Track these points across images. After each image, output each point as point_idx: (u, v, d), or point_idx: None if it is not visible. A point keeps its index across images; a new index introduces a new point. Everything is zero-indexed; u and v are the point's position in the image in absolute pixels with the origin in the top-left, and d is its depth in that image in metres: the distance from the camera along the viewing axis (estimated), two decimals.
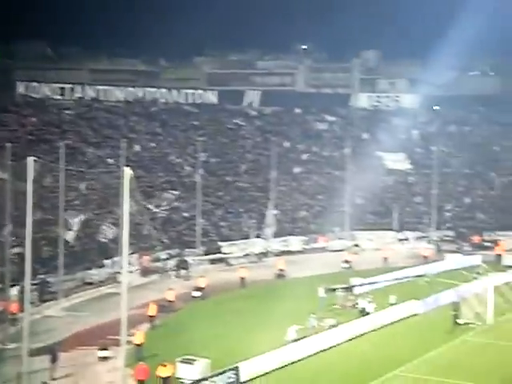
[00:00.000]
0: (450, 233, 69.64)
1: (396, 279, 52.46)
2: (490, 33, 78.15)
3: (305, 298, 45.44)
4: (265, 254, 62.08)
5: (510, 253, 62.43)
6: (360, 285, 48.86)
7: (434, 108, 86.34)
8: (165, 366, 30.83)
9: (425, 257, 60.72)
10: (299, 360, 34.67)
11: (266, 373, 32.81)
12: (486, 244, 66.83)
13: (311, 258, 62.76)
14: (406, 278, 53.62)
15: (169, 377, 30.84)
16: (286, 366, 33.87)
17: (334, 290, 46.36)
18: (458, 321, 41.08)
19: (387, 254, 60.68)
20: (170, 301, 44.22)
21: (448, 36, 79.89)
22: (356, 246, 66.16)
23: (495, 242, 65.45)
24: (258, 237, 63.73)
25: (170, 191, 66.19)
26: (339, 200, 69.10)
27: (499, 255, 61.69)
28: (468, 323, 41.07)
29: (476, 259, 59.44)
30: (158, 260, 55.63)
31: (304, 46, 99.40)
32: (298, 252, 64.79)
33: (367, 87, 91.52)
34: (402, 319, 42.39)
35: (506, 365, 34.53)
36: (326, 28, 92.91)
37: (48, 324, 40.92)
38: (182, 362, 31.99)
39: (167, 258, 56.44)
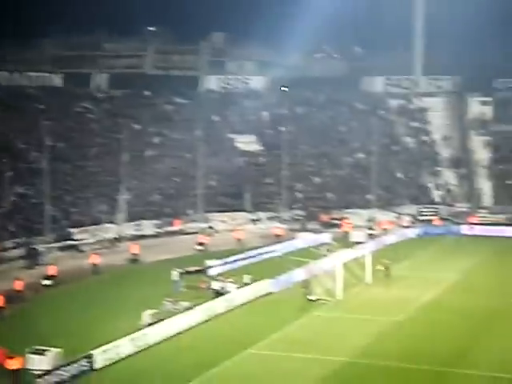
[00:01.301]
0: (301, 212, 71.29)
1: (250, 259, 53.28)
2: (335, 16, 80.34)
3: (159, 282, 45.26)
4: (118, 239, 61.11)
5: (357, 230, 64.87)
6: (214, 266, 49.16)
7: (283, 89, 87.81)
8: (12, 358, 29.61)
9: (277, 236, 61.88)
10: (155, 344, 34.38)
11: (122, 358, 32.33)
12: (335, 222, 69.00)
13: (165, 242, 62.48)
14: (260, 257, 54.60)
15: (18, 369, 29.68)
16: (142, 350, 33.49)
17: (189, 272, 46.45)
18: (309, 297, 42.15)
19: (240, 235, 61.35)
20: (19, 291, 42.60)
21: (295, 18, 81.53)
22: (210, 227, 66.43)
23: (343, 220, 67.72)
24: (110, 222, 62.59)
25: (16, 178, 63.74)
26: (192, 182, 69.07)
27: (347, 232, 63.92)
28: (319, 299, 42.20)
29: (325, 237, 61.38)
30: (4, 249, 53.45)
31: (151, 28, 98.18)
32: (152, 236, 64.25)
33: (216, 69, 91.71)
34: (256, 298, 42.96)
35: (356, 337, 35.77)
36: (174, 9, 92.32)
37: None
38: (32, 352, 30.88)
39: (14, 247, 54.36)
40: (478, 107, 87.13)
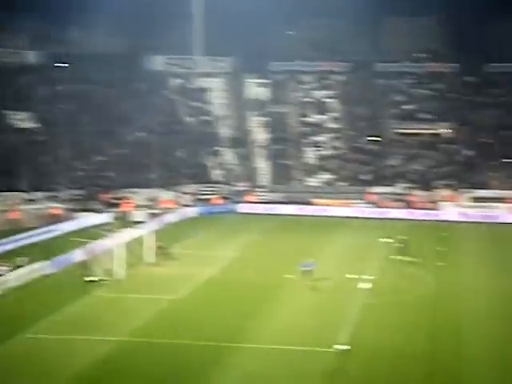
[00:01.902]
0: (81, 192, 69.69)
1: (26, 240, 51.43)
2: None
3: None
4: None
5: (138, 209, 64.68)
6: None
7: (61, 65, 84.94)
8: None
9: (55, 216, 60.19)
10: None
11: None
12: (116, 201, 68.22)
13: None
14: (37, 238, 52.86)
15: None
16: None
17: None
18: (87, 278, 41.45)
19: (16, 216, 58.96)
20: None
21: None
22: None
23: (124, 199, 67.18)
24: None
25: None
26: None
27: (127, 212, 63.51)
28: (98, 279, 41.60)
29: (106, 217, 60.65)
30: None
31: None
32: None
33: None
34: (32, 280, 41.57)
35: (135, 316, 35.64)
36: None
37: None
38: None
39: None
40: (255, 89, 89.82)
